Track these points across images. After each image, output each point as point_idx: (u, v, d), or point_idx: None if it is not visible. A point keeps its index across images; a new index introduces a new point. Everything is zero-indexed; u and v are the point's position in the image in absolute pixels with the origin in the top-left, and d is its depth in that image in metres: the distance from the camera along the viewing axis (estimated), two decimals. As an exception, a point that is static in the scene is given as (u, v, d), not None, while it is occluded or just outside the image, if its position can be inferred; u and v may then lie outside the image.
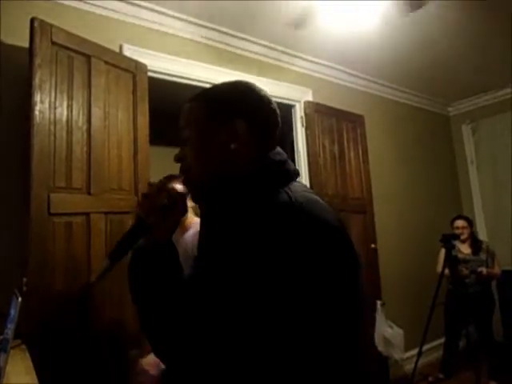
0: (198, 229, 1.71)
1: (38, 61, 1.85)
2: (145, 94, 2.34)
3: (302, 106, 3.26)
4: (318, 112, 3.27)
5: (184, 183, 0.78)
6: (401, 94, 4.23)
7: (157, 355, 0.74)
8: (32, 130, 1.80)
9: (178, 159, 0.78)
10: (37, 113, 1.82)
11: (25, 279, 1.62)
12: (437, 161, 4.57)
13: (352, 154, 3.43)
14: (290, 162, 0.79)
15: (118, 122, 2.19)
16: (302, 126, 3.24)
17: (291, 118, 3.30)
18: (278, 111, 0.80)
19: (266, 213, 0.67)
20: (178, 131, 0.81)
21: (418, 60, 3.49)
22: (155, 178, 2.37)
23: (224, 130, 0.73)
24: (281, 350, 0.62)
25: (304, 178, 3.15)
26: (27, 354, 1.43)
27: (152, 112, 2.36)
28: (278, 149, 0.79)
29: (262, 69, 3.11)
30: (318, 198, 0.73)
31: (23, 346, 1.52)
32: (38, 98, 1.83)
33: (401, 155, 4.15)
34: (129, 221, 2.09)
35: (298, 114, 3.27)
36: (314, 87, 3.43)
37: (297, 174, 0.79)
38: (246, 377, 0.63)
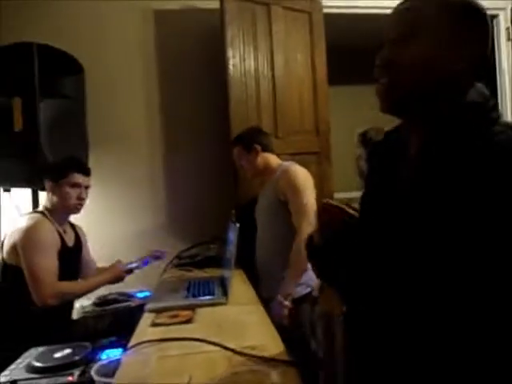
0: (284, 171, 1.73)
1: (228, 18, 2.04)
2: (321, 32, 2.32)
3: (509, 14, 2.65)
4: (530, 18, 2.60)
5: (383, 89, 0.69)
6: None
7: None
8: (228, 82, 2.05)
9: (384, 59, 0.68)
10: (231, 67, 2.05)
11: (233, 211, 1.96)
12: None
13: None
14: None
15: (297, 65, 2.26)
16: (508, 39, 2.66)
17: (492, 31, 2.73)
18: None
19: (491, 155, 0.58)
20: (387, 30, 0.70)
21: None
22: (335, 118, 2.41)
23: (459, 47, 0.65)
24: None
25: (509, 103, 2.63)
26: (242, 271, 1.77)
27: (328, 51, 2.33)
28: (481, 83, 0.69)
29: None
30: None
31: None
32: (230, 53, 2.06)
33: None
34: (312, 161, 2.22)
35: (502, 26, 2.69)
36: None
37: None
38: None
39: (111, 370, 0.64)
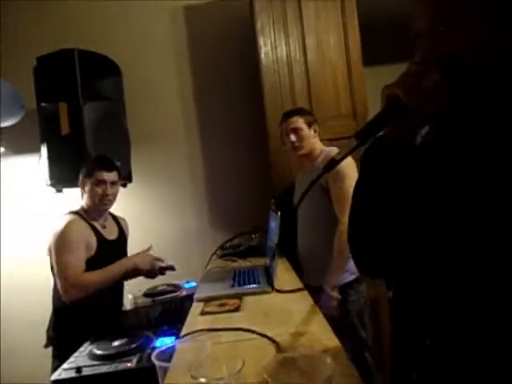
0: (327, 156, 1.69)
1: (257, 7, 2.03)
2: (353, 10, 2.23)
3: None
4: None
5: (439, 91, 0.60)
6: None
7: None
8: (260, 71, 2.05)
9: (429, 53, 0.62)
10: (263, 55, 2.05)
11: (272, 200, 1.97)
12: None
13: None
14: None
15: (330, 48, 2.21)
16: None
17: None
18: None
19: None
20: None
21: None
22: (372, 99, 2.33)
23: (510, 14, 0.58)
24: None
25: None
26: (285, 259, 1.78)
27: (361, 29, 2.25)
28: None
29: None
30: None
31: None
32: (261, 42, 2.05)
33: None
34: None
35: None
36: None
37: None
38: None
39: (168, 355, 0.68)
